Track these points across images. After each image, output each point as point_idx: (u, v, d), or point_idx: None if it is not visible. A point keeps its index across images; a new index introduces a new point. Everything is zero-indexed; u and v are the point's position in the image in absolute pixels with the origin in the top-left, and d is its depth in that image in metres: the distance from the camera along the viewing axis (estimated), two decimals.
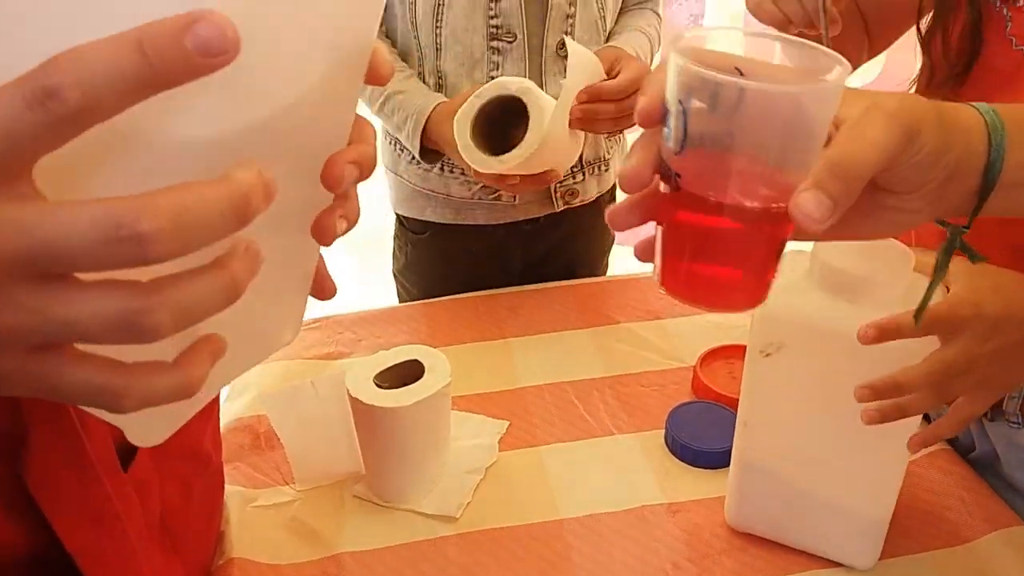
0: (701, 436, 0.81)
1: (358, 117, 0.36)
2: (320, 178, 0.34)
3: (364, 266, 1.70)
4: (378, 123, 1.04)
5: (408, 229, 1.15)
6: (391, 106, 0.97)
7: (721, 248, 0.39)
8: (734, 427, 0.70)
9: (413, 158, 1.04)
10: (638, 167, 0.38)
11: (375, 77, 0.34)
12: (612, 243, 1.26)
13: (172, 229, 0.24)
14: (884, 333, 0.54)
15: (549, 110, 0.85)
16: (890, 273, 0.59)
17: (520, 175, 0.90)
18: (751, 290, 0.40)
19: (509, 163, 0.86)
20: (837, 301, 0.59)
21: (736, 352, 0.93)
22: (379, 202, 1.28)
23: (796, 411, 0.65)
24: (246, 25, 0.24)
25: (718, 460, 0.79)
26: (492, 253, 1.12)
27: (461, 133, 0.87)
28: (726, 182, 0.36)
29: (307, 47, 0.30)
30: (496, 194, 1.05)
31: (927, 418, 0.73)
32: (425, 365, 0.76)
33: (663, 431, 0.83)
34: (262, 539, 0.72)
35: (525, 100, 0.86)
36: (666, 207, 0.38)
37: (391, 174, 1.12)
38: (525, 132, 0.86)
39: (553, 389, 0.91)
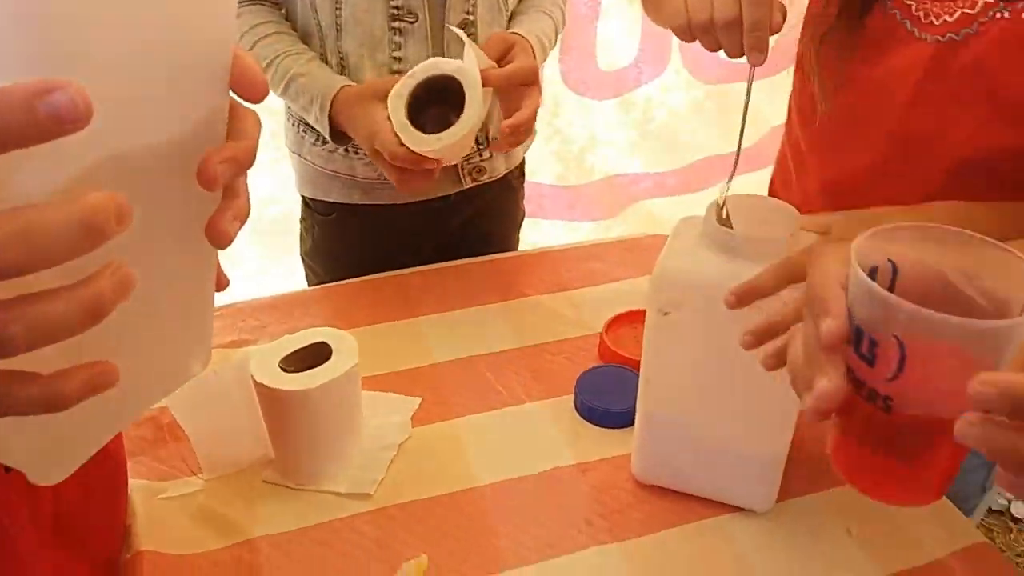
0: (607, 398, 0.83)
1: (241, 110, 0.36)
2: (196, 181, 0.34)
3: (270, 251, 1.66)
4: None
5: (314, 211, 1.13)
6: (295, 89, 0.95)
7: (935, 455, 0.39)
8: (638, 387, 0.72)
9: (317, 139, 1.03)
10: (835, 392, 0.38)
11: (249, 92, 0.35)
12: (523, 218, 1.27)
13: (18, 244, 0.25)
14: (743, 300, 0.58)
15: (482, 90, 0.86)
16: (777, 233, 0.62)
17: (436, 160, 0.89)
18: (941, 488, 0.41)
19: (447, 141, 0.86)
20: (728, 260, 0.62)
21: (640, 317, 0.95)
22: (285, 185, 1.25)
23: (694, 365, 0.67)
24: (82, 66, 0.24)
25: (624, 419, 0.81)
26: (402, 233, 1.12)
27: (396, 111, 0.86)
28: (951, 402, 0.36)
29: (148, 67, 0.30)
30: None
31: None
32: (332, 347, 0.75)
33: (572, 396, 0.85)
34: (171, 531, 0.70)
35: (460, 79, 0.86)
36: (870, 425, 0.39)
37: (295, 156, 1.10)
38: (447, 112, 0.86)
39: (466, 364, 0.92)
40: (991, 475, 0.84)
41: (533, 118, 0.93)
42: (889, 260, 0.39)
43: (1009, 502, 1.81)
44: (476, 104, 0.85)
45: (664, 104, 1.77)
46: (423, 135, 0.86)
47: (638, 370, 0.72)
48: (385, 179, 0.98)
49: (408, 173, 0.90)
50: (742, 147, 0.68)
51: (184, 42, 0.31)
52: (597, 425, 0.82)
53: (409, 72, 0.88)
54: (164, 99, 0.31)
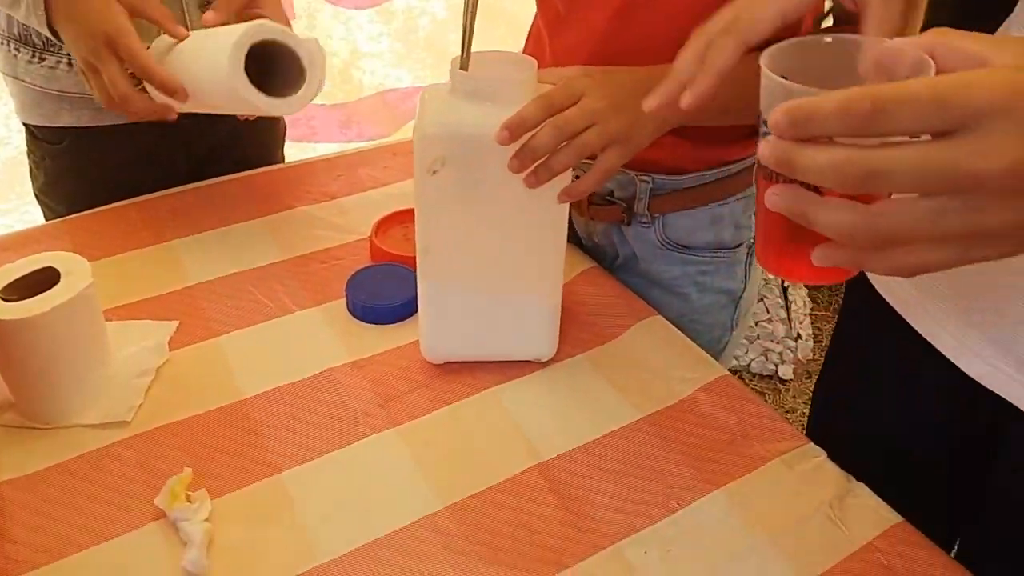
0: (381, 295, 0.82)
1: None
2: None
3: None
4: None
5: (42, 140, 1.01)
6: None
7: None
8: (412, 281, 0.73)
9: (34, 55, 0.91)
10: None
11: None
12: (284, 132, 1.21)
13: None
14: (514, 132, 0.60)
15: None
16: (518, 77, 0.64)
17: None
18: None
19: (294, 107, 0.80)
20: (480, 107, 0.63)
21: (409, 216, 0.95)
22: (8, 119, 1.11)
23: (466, 221, 0.68)
24: None
25: (401, 312, 0.81)
26: (149, 156, 1.03)
27: (237, 70, 0.75)
28: None
29: None
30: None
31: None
32: (61, 270, 0.69)
33: (344, 299, 0.84)
34: None
35: (293, 46, 0.78)
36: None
37: (10, 80, 0.98)
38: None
39: (227, 282, 0.87)
40: (735, 312, 0.92)
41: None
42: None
43: (776, 366, 2.01)
44: (315, 68, 0.80)
45: (426, 12, 1.74)
46: (272, 99, 0.78)
47: (410, 265, 0.71)
48: None
49: (136, 97, 0.81)
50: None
51: None
52: (374, 323, 0.81)
53: (243, 32, 0.75)
54: None
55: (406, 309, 0.81)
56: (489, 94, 0.63)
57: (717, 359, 0.78)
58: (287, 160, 1.21)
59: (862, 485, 0.65)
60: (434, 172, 0.65)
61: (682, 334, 0.80)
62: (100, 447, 0.67)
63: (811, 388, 1.91)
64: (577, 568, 0.59)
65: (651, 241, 0.87)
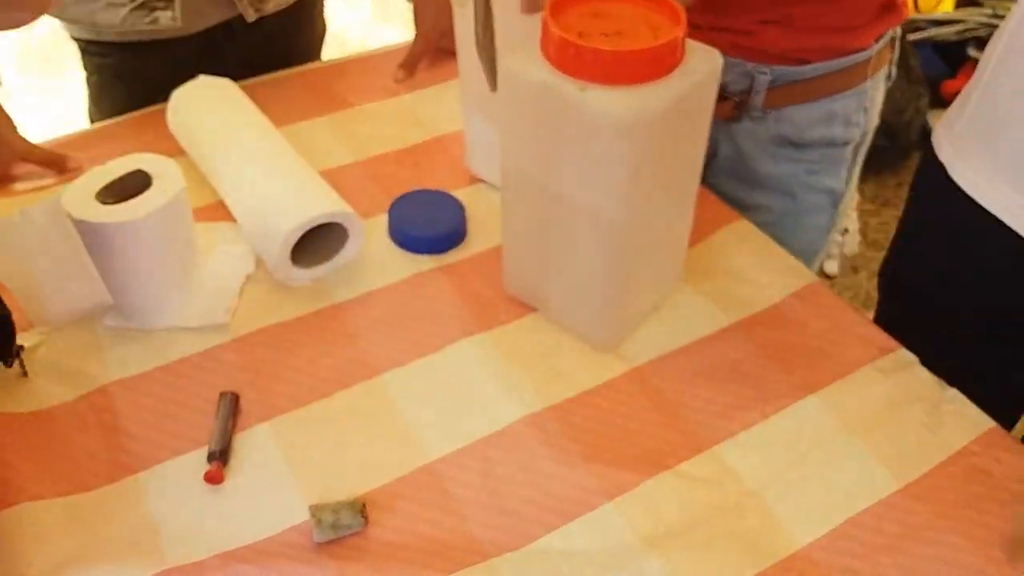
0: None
1: None
2: None
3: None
4: None
5: (90, 55, 0.99)
6: None
7: None
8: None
9: None
10: None
11: None
12: (324, 32, 1.17)
13: None
14: None
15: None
16: None
17: None
18: None
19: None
20: None
21: None
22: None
23: None
24: None
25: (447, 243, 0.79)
26: (189, 66, 0.92)
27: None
28: None
29: None
30: (152, 16, 0.91)
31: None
32: (152, 174, 0.69)
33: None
34: (14, 389, 0.65)
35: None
36: None
37: None
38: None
39: None
40: (834, 215, 0.92)
41: None
42: None
43: (822, 261, 2.00)
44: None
45: None
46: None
47: None
48: (132, 26, 0.88)
49: None
50: None
51: None
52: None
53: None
54: None
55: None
56: None
57: (810, 263, 0.78)
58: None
59: (955, 391, 0.66)
60: None
61: (769, 238, 0.79)
62: (203, 350, 0.69)
63: (858, 283, 1.92)
64: (679, 469, 0.61)
65: (761, 138, 0.86)
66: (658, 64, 0.54)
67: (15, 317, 0.68)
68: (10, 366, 0.65)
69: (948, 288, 0.77)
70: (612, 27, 0.55)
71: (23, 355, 0.66)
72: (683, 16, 0.54)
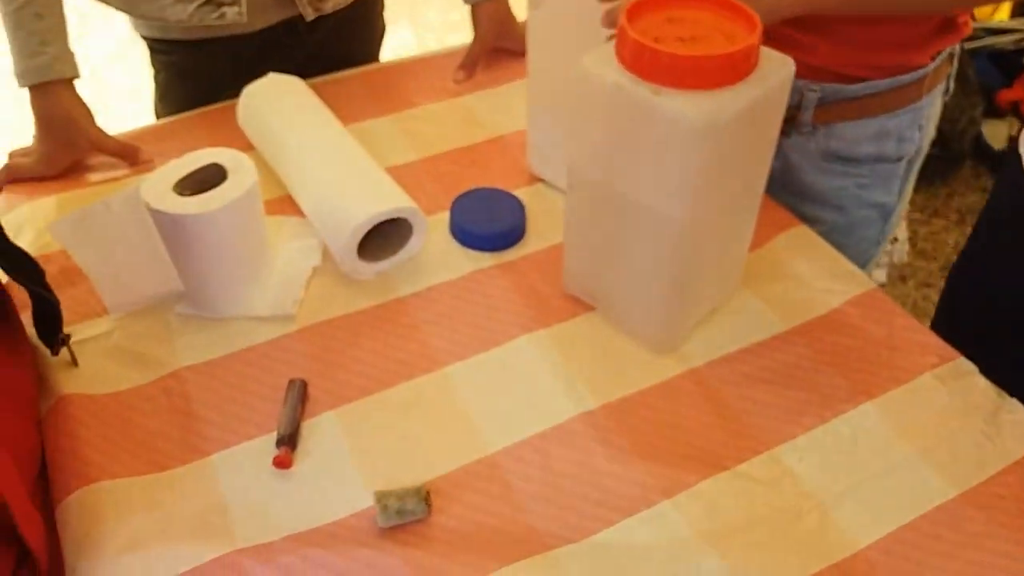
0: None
1: None
2: None
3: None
4: None
5: (156, 52, 1.03)
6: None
7: None
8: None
9: None
10: None
11: None
12: (383, 32, 1.19)
13: None
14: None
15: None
16: None
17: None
18: None
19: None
20: None
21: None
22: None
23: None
24: None
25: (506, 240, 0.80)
26: (251, 64, 0.97)
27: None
28: None
29: None
30: (219, 12, 0.93)
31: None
32: (227, 167, 0.71)
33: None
34: (90, 372, 0.67)
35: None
36: None
37: None
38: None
39: None
40: (885, 228, 0.91)
41: None
42: None
43: (870, 272, 1.98)
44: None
45: None
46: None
47: None
48: (200, 22, 0.91)
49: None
50: None
51: None
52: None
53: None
54: None
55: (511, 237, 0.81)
56: None
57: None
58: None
59: (1015, 400, 0.66)
60: None
61: (827, 244, 0.79)
62: (270, 339, 0.71)
63: (906, 292, 1.89)
64: (737, 470, 0.62)
65: (810, 152, 0.85)
66: (733, 70, 0.55)
67: (91, 303, 0.72)
68: (56, 354, 0.67)
69: (1019, 295, 0.76)
70: (687, 33, 0.56)
71: (71, 344, 0.68)
72: (758, 23, 0.55)
